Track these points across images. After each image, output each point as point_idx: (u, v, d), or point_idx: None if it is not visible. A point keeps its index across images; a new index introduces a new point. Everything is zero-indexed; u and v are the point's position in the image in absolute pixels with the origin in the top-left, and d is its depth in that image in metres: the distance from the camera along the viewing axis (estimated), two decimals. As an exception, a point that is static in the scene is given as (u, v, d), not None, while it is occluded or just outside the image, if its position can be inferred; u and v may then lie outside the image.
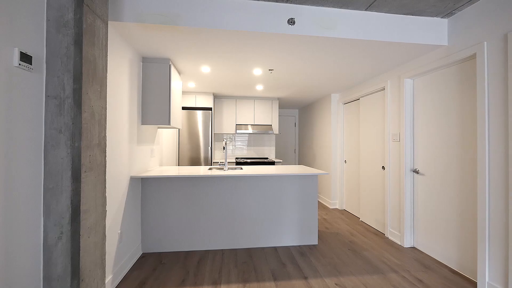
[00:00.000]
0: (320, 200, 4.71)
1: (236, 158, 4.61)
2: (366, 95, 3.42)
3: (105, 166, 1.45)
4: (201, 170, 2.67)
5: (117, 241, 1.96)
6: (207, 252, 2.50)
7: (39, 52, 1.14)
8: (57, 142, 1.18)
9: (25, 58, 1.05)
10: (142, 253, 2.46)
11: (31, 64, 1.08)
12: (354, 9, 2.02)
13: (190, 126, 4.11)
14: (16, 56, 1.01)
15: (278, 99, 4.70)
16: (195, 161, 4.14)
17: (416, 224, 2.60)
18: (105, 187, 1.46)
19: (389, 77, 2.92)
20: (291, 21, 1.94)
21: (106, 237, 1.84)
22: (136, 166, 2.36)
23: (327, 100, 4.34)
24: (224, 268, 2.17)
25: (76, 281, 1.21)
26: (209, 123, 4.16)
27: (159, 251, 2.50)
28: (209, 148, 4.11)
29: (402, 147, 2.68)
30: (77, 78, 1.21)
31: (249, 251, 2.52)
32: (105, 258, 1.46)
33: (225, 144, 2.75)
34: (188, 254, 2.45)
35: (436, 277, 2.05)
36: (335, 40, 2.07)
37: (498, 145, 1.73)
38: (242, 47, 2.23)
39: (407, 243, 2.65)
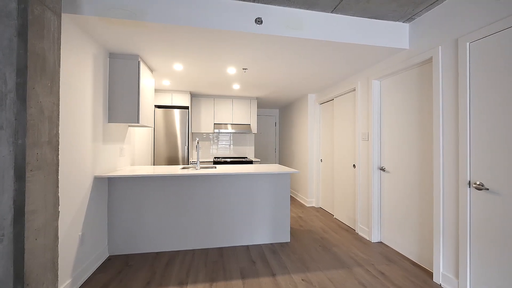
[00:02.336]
0: (297, 199, 4.79)
1: (215, 158, 4.58)
2: (340, 95, 3.52)
3: (58, 165, 1.39)
4: (173, 170, 2.62)
5: (77, 243, 1.88)
6: (177, 252, 2.46)
7: (-24, 43, 1.07)
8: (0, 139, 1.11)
9: (-43, 48, 0.98)
10: (109, 256, 2.38)
11: (-35, 55, 1.01)
12: (321, 11, 2.07)
13: (167, 125, 4.03)
14: None
15: (257, 98, 4.72)
16: (172, 161, 4.06)
17: (383, 220, 2.71)
18: (58, 187, 1.39)
19: (359, 78, 3.02)
20: (259, 21, 1.95)
21: (65, 239, 1.76)
22: (102, 166, 2.27)
23: (304, 100, 4.42)
24: (192, 268, 2.15)
25: (20, 286, 1.14)
26: (186, 122, 4.10)
27: (127, 253, 2.42)
28: (186, 147, 4.05)
29: (370, 146, 2.78)
30: (21, 72, 1.14)
31: (221, 250, 2.51)
32: (57, 262, 1.39)
33: (197, 143, 2.72)
34: (157, 255, 2.40)
35: (398, 269, 2.15)
36: (303, 41, 2.11)
37: (450, 145, 1.85)
38: (211, 45, 2.22)
39: (374, 238, 2.76)
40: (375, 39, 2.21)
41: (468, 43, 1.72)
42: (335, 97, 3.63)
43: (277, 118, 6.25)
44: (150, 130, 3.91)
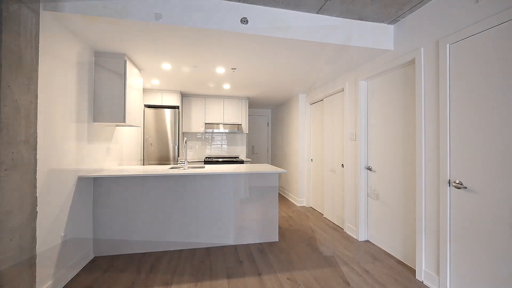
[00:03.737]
0: (289, 199, 4.81)
1: (206, 158, 4.56)
2: (329, 95, 3.55)
3: (36, 165, 1.37)
4: (160, 169, 2.61)
5: (60, 244, 1.85)
6: (165, 253, 2.44)
7: None
8: (-31, 138, 1.09)
9: None
10: (94, 257, 2.35)
11: None
12: (306, 12, 2.08)
13: (157, 125, 4.00)
14: None
15: (248, 98, 4.72)
16: (164, 160, 4.03)
17: (370, 219, 2.74)
18: (36, 187, 1.37)
19: (347, 79, 3.06)
20: (244, 20, 1.96)
21: (46, 240, 1.73)
22: (87, 166, 2.24)
23: (295, 100, 4.44)
24: (178, 269, 2.14)
25: (-8, 288, 1.12)
26: (177, 122, 4.08)
27: (112, 253, 2.40)
28: (176, 147, 4.02)
29: (358, 146, 2.81)
30: (-5, 70, 1.13)
31: (209, 251, 2.51)
32: (35, 263, 1.37)
33: (185, 143, 2.71)
34: (144, 256, 2.38)
35: (382, 267, 2.18)
36: (289, 41, 2.13)
37: (432, 144, 1.88)
38: (198, 44, 2.21)
39: (361, 237, 2.79)
40: (360, 40, 2.23)
41: (448, 45, 1.75)
42: (325, 97, 3.65)
43: (270, 118, 6.26)
44: (140, 129, 3.88)
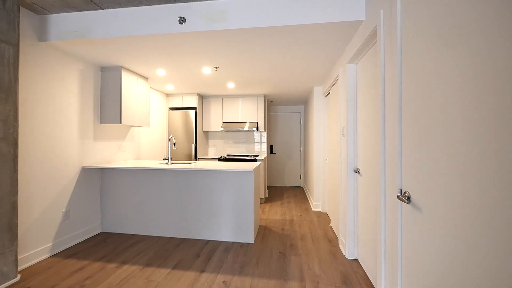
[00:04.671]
0: (309, 202, 4.40)
1: (221, 156, 4.77)
2: (332, 85, 3.06)
3: (15, 155, 1.88)
4: (150, 164, 2.97)
5: (61, 217, 2.44)
6: (147, 237, 2.78)
7: None
8: (-40, 136, 1.64)
9: None
10: (101, 232, 2.93)
11: None
12: (246, -3, 1.91)
13: (180, 125, 4.50)
14: None
15: (264, 95, 4.62)
16: (188, 157, 4.51)
17: (360, 232, 2.22)
18: (16, 171, 1.88)
19: (341, 64, 2.56)
20: (182, 19, 2.00)
21: (47, 213, 2.31)
22: (94, 158, 2.83)
23: (311, 94, 4.03)
24: (143, 252, 2.40)
25: (-27, 238, 1.64)
26: (196, 122, 4.46)
27: (113, 231, 2.92)
28: (192, 145, 4.41)
29: (345, 143, 2.33)
30: (-27, 89, 1.64)
31: (182, 241, 2.67)
32: (15, 226, 1.88)
33: (169, 140, 2.97)
34: (131, 237, 2.79)
35: (341, 294, 1.75)
36: (231, 32, 2.01)
37: (392, 140, 1.37)
38: (152, 49, 2.39)
39: (349, 254, 2.29)
40: (321, 15, 1.86)
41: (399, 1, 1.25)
42: (330, 87, 3.17)
43: (303, 114, 5.88)
44: (163, 129, 4.47)
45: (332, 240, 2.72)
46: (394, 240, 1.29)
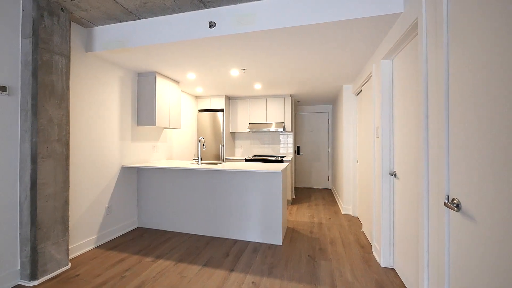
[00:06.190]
0: (338, 205, 4.24)
1: (248, 156, 4.81)
2: (364, 83, 2.91)
3: (68, 155, 2.09)
4: (182, 164, 3.10)
5: (104, 212, 2.66)
6: (180, 234, 2.91)
7: (14, 83, 1.85)
8: (24, 138, 1.87)
9: (1, 88, 1.76)
10: (138, 227, 3.14)
11: (6, 91, 1.79)
12: (275, -3, 1.90)
13: (209, 126, 4.64)
14: (-7, 88, 1.72)
15: (291, 96, 4.56)
16: (216, 158, 4.64)
17: (396, 240, 2.08)
18: (68, 169, 2.09)
19: (374, 60, 2.42)
20: (212, 24, 2.06)
21: (93, 208, 2.54)
22: (131, 158, 3.04)
23: (341, 92, 3.88)
24: (177, 248, 2.51)
25: (34, 228, 1.86)
26: (224, 123, 4.57)
27: (148, 227, 3.11)
28: (220, 146, 4.51)
29: (380, 144, 2.20)
30: (34, 97, 1.86)
31: (211, 239, 2.75)
32: (67, 219, 2.10)
33: (199, 141, 3.07)
34: (165, 233, 2.94)
35: (377, 304, 1.65)
36: (257, 33, 2.01)
37: (435, 142, 1.26)
38: (184, 54, 2.49)
39: (384, 262, 2.16)
40: (355, 11, 1.77)
41: (445, -12, 1.14)
42: (362, 86, 3.02)
43: (331, 114, 5.69)
44: (193, 131, 4.64)
45: (365, 246, 2.58)
46: (440, 251, 1.18)
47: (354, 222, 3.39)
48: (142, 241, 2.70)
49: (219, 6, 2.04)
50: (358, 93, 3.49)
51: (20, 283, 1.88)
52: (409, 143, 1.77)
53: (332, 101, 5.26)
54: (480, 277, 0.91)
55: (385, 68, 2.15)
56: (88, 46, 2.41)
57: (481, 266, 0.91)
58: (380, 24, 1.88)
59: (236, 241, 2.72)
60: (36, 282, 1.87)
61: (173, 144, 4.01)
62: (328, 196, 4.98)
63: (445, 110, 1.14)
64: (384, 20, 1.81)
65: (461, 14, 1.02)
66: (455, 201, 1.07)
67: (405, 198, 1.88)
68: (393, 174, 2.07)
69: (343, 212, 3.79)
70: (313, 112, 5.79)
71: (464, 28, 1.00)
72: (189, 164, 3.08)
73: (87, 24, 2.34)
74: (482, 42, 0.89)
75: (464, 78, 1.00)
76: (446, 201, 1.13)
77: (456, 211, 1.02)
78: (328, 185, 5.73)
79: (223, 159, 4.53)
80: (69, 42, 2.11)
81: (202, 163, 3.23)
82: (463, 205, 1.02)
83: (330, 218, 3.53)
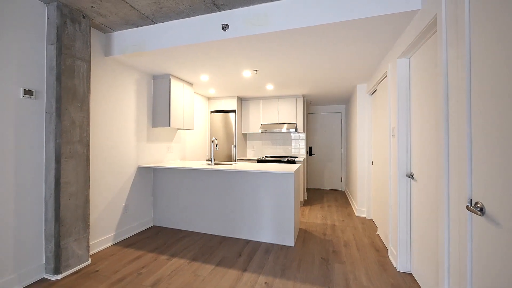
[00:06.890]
0: (352, 206, 4.16)
1: (260, 157, 4.81)
2: (379, 82, 2.84)
3: (88, 156, 2.19)
4: (196, 165, 3.15)
5: (121, 210, 2.75)
6: (193, 233, 2.96)
7: (40, 87, 1.96)
8: (49, 139, 1.98)
9: (29, 92, 1.87)
10: (153, 225, 3.22)
11: (33, 95, 1.90)
12: (288, -2, 1.90)
13: (221, 127, 4.70)
14: (21, 92, 1.83)
15: (303, 96, 4.52)
16: (228, 158, 4.69)
17: (414, 243, 2.01)
18: (88, 169, 2.19)
19: (389, 59, 2.36)
20: (226, 27, 2.08)
21: (111, 206, 2.64)
22: (147, 159, 3.13)
23: (354, 92, 3.81)
24: (191, 247, 2.56)
25: (58, 224, 1.96)
26: (236, 124, 4.60)
27: (163, 225, 3.18)
28: (232, 147, 4.55)
29: (396, 145, 2.14)
30: (58, 100, 1.96)
31: (224, 239, 2.77)
32: (88, 216, 2.19)
33: (212, 142, 3.10)
34: (179, 232, 3.00)
35: (394, 310, 1.61)
36: (271, 34, 2.02)
37: (456, 142, 1.22)
38: (197, 56, 2.53)
39: (401, 267, 2.09)
40: (370, 8, 1.74)
41: (466, -17, 1.10)
42: (377, 85, 2.95)
43: (344, 114, 5.60)
44: (206, 132, 4.71)
45: (380, 250, 2.52)
46: (462, 256, 1.14)
47: (369, 224, 3.32)
48: (157, 239, 2.77)
49: (232, 9, 2.07)
50: (373, 93, 3.41)
51: (45, 276, 1.98)
52: (427, 144, 1.71)
53: (345, 101, 5.17)
54: (505, 284, 0.87)
55: (401, 66, 2.09)
56: (107, 51, 2.51)
57: (506, 273, 0.86)
58: (396, 22, 1.83)
59: (248, 241, 2.73)
60: (59, 276, 1.97)
61: (186, 145, 4.08)
62: (341, 197, 4.90)
63: (467, 109, 1.10)
64: (400, 17, 1.76)
65: (482, 10, 0.98)
66: (478, 205, 1.02)
67: (423, 201, 1.82)
68: (411, 176, 2.01)
69: (357, 214, 3.71)
70: (325, 112, 5.72)
71: (486, 24, 0.96)
72: (202, 164, 3.13)
73: (106, 29, 2.44)
74: (505, 38, 0.85)
75: (486, 76, 0.96)
76: (469, 204, 1.08)
77: (480, 215, 0.98)
78: (341, 187, 5.63)
79: (235, 159, 4.56)
80: (90, 47, 2.21)
81: (215, 164, 3.28)
82: (487, 209, 0.98)
83: (343, 220, 3.47)
